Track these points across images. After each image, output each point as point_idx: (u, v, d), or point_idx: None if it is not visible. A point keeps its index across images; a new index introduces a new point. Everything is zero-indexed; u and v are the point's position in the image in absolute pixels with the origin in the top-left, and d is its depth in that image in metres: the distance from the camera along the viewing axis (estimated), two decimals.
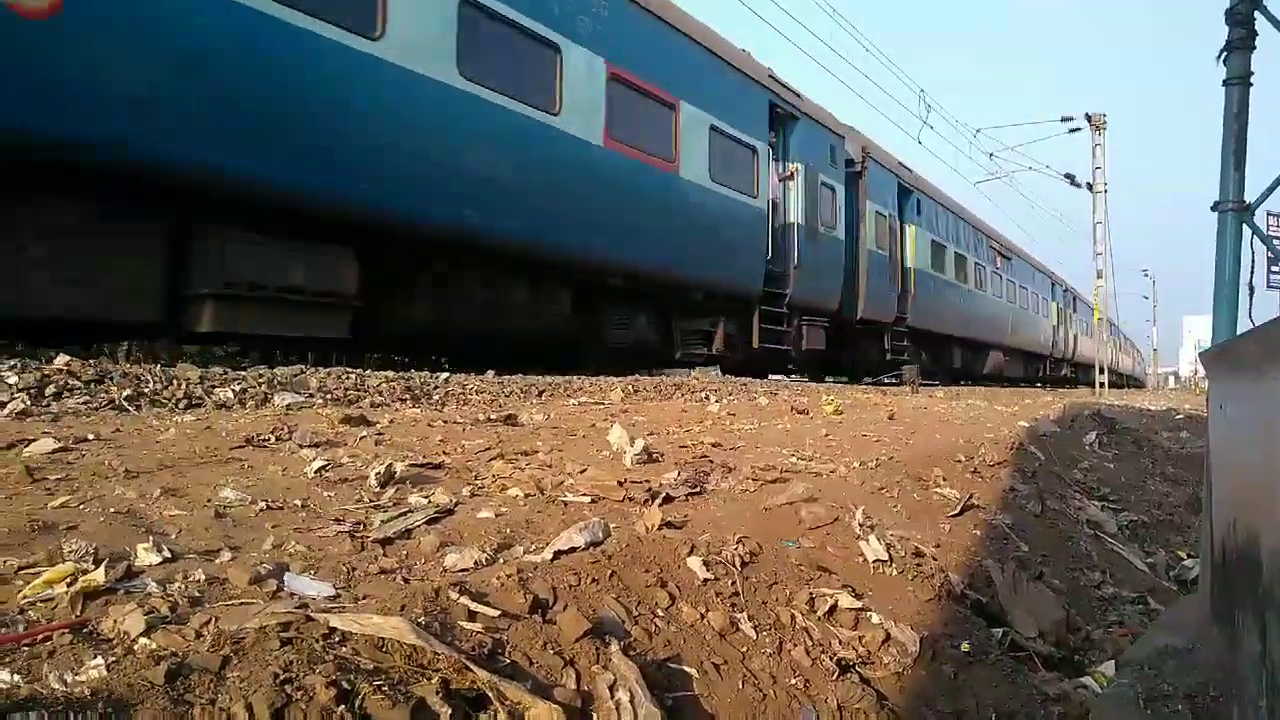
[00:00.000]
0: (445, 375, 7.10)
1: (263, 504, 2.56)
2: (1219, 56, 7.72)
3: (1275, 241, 10.42)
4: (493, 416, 5.09)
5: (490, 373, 8.30)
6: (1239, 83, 7.60)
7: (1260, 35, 7.58)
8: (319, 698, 1.40)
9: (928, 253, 21.76)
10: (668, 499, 3.23)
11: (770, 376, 15.38)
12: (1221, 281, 7.70)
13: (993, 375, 28.88)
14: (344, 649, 1.57)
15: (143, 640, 1.51)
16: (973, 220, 26.63)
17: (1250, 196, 7.74)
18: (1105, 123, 27.94)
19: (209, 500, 2.55)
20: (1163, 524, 6.49)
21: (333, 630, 1.61)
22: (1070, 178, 29.44)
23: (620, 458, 3.95)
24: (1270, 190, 7.78)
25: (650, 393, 8.79)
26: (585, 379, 9.13)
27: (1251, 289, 7.68)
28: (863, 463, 4.55)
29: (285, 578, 1.92)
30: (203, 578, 1.86)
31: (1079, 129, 28.43)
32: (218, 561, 2.02)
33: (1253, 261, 7.74)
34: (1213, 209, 7.70)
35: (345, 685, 1.45)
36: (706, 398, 8.87)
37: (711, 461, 4.19)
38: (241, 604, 1.75)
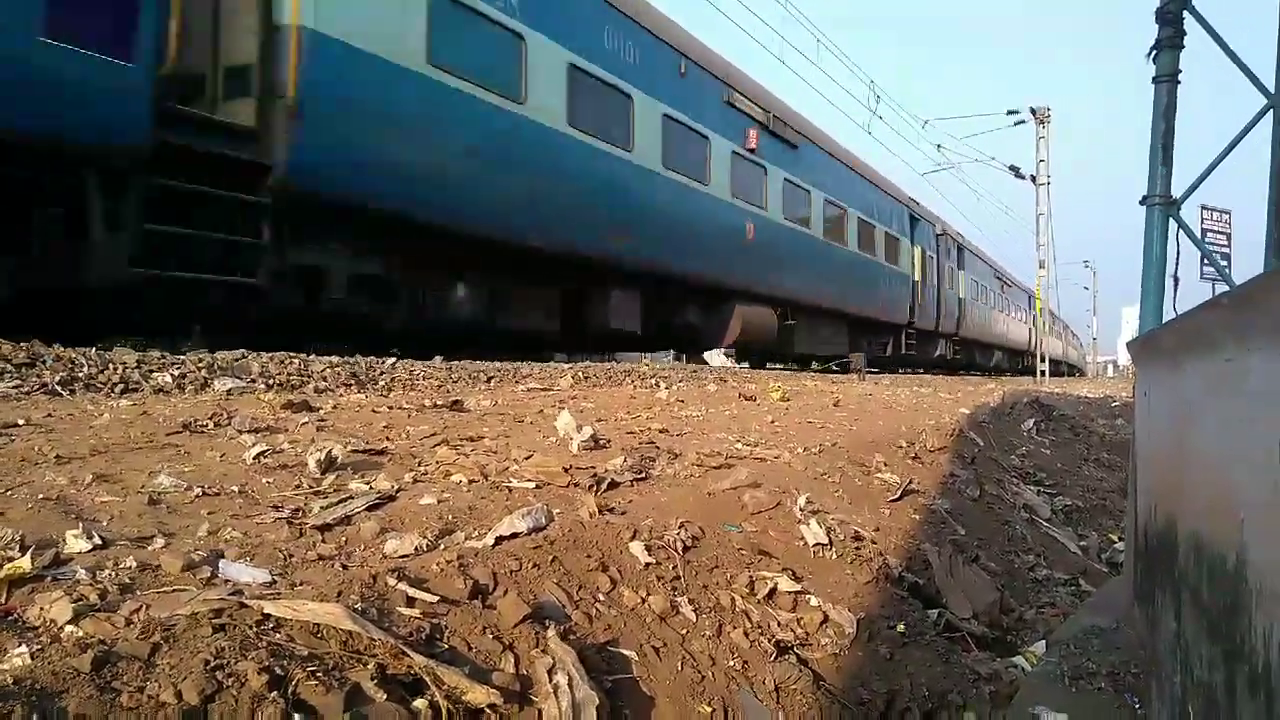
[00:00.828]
0: (391, 361, 7.03)
1: (199, 490, 2.52)
2: (1149, 54, 7.92)
3: (1211, 235, 10.75)
4: (439, 402, 5.06)
5: (438, 358, 8.24)
6: (1167, 80, 7.82)
7: (1189, 35, 7.80)
8: (250, 684, 1.39)
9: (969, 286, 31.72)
10: (613, 485, 3.24)
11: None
12: (1148, 273, 7.92)
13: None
14: (278, 635, 1.56)
15: (70, 628, 1.48)
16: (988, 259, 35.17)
17: (1177, 191, 7.98)
18: (1049, 116, 28.58)
19: (143, 486, 2.51)
20: (1096, 508, 6.70)
21: (267, 616, 1.60)
22: (1015, 170, 30.07)
23: (567, 444, 3.96)
24: (1196, 185, 8.03)
25: (600, 379, 8.81)
26: (535, 365, 9.11)
27: (1176, 281, 7.93)
28: (807, 449, 4.62)
29: (220, 564, 1.90)
30: (134, 565, 1.83)
31: (1024, 122, 29.04)
32: (150, 548, 1.98)
33: (1178, 254, 7.99)
34: (1141, 203, 7.92)
35: (278, 671, 1.44)
36: (656, 384, 8.91)
37: (658, 447, 4.21)
38: (174, 591, 1.72)
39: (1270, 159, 7.39)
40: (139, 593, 1.70)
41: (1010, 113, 29.29)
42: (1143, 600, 2.82)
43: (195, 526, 2.19)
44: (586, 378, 8.67)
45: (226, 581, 1.81)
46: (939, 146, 31.85)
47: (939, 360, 29.90)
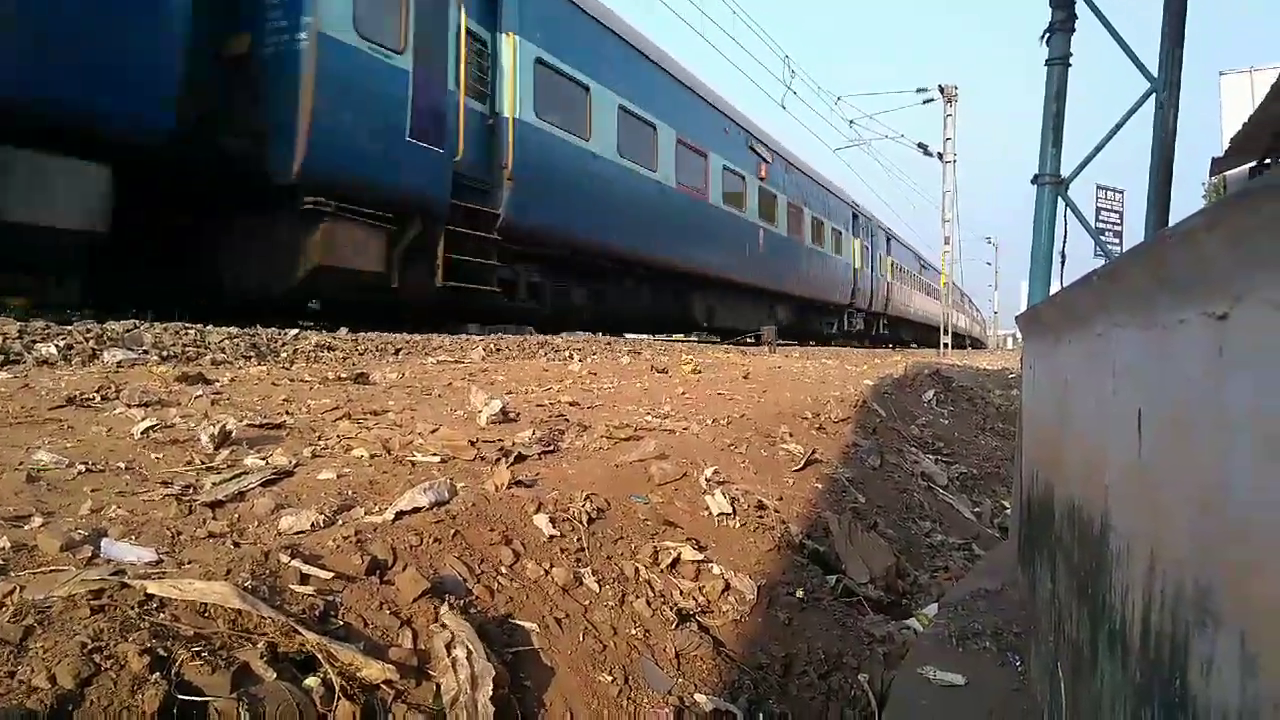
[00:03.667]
0: (295, 331, 6.83)
1: (82, 467, 2.42)
2: (1042, 37, 8.22)
3: (1105, 213, 11.22)
4: (343, 375, 4.95)
5: (344, 330, 8.04)
6: (1059, 63, 8.13)
7: (1081, 19, 8.11)
8: (131, 666, 1.35)
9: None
10: (520, 458, 3.24)
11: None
12: (1038, 249, 8.27)
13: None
14: (162, 616, 1.52)
15: None
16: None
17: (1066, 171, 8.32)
18: (956, 95, 29.30)
19: (20, 464, 2.39)
20: (990, 475, 6.99)
21: (150, 597, 1.55)
22: (923, 147, 30.79)
23: (475, 417, 3.93)
24: (1084, 165, 8.40)
25: (513, 351, 8.74)
26: (446, 336, 8.98)
27: (1064, 257, 8.30)
28: (715, 420, 4.68)
29: (102, 544, 1.82)
30: (8, 545, 1.75)
31: (932, 100, 29.73)
32: (27, 528, 1.90)
33: (1065, 231, 8.35)
34: (1033, 182, 8.24)
35: (161, 653, 1.40)
36: (570, 356, 8.89)
37: (568, 420, 4.22)
38: (51, 572, 1.65)
39: (1151, 141, 7.77)
40: (13, 574, 1.62)
41: (919, 90, 29.96)
42: (1025, 563, 2.97)
43: (77, 505, 2.10)
44: (499, 350, 8.60)
45: (109, 561, 1.75)
46: (851, 123, 32.44)
47: (873, 336, 34.75)
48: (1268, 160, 15.61)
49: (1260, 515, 0.74)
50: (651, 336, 17.42)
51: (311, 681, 1.53)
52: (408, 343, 7.64)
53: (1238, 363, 0.81)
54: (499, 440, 3.43)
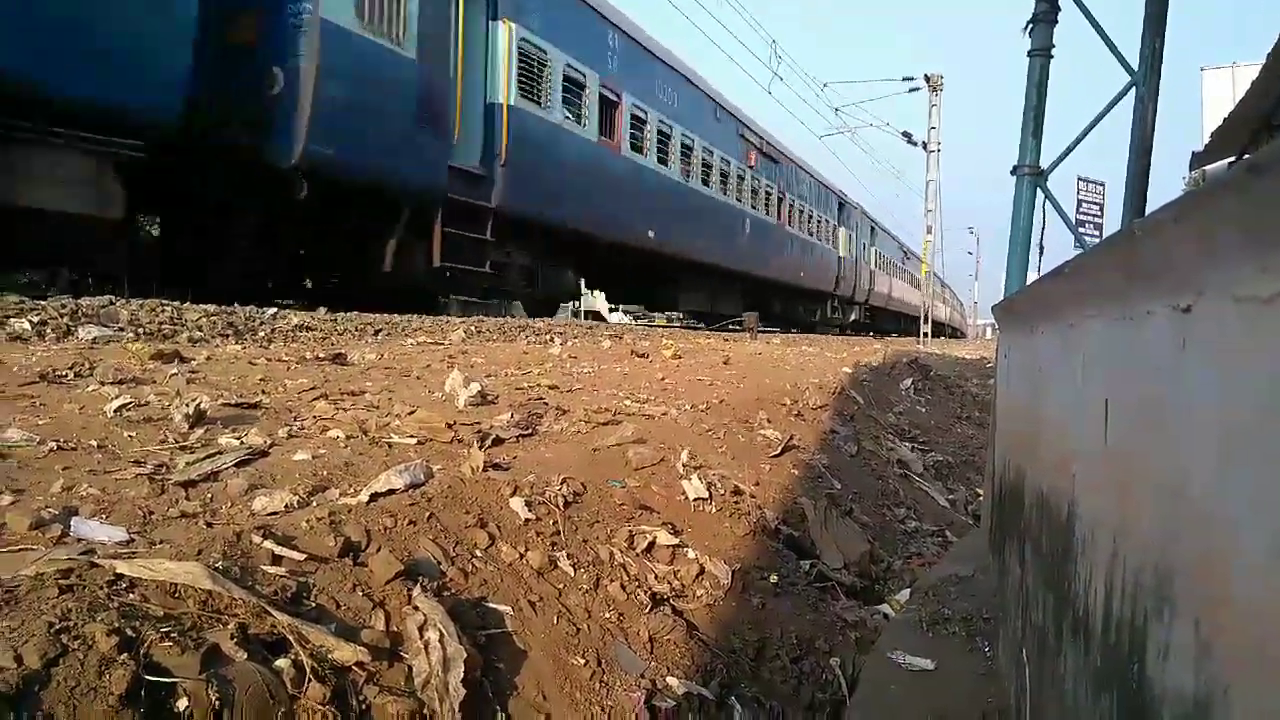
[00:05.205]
0: (273, 310, 6.78)
1: (53, 444, 2.39)
2: (1024, 28, 8.24)
3: (1086, 204, 11.29)
4: (321, 355, 4.92)
5: (323, 309, 7.99)
6: (1041, 55, 8.17)
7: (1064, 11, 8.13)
8: (99, 646, 1.34)
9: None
10: (497, 441, 3.23)
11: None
12: (1016, 240, 8.33)
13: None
14: (131, 596, 1.51)
15: None
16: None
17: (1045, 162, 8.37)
18: (942, 84, 29.29)
19: None
20: (965, 463, 7.06)
21: (120, 576, 1.54)
22: (908, 135, 30.79)
23: (453, 399, 3.92)
24: (1063, 156, 8.45)
25: (493, 334, 8.71)
26: (426, 318, 8.93)
27: (1042, 248, 8.35)
28: (694, 405, 4.69)
29: (72, 522, 1.81)
30: None
31: (918, 89, 29.70)
32: None
33: (1044, 222, 8.41)
34: (1012, 173, 8.28)
35: (129, 633, 1.39)
36: (550, 340, 8.87)
37: (547, 403, 4.21)
38: (19, 550, 1.64)
39: (1130, 133, 7.82)
40: None
41: (905, 79, 29.93)
42: (996, 550, 3.01)
43: (48, 483, 2.08)
44: (479, 332, 8.56)
45: (79, 540, 1.73)
46: (837, 110, 32.31)
47: (854, 323, 35.59)
48: (1246, 156, 15.74)
49: (1217, 507, 0.75)
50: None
51: (282, 663, 1.53)
52: (388, 323, 7.60)
53: (1200, 355, 0.82)
54: (477, 423, 3.42)
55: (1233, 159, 16.66)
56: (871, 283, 35.80)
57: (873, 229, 36.57)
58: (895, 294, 41.24)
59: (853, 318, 34.91)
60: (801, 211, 26.41)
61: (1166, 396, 0.93)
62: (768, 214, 23.22)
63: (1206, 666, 0.75)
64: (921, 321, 29.74)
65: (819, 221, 28.54)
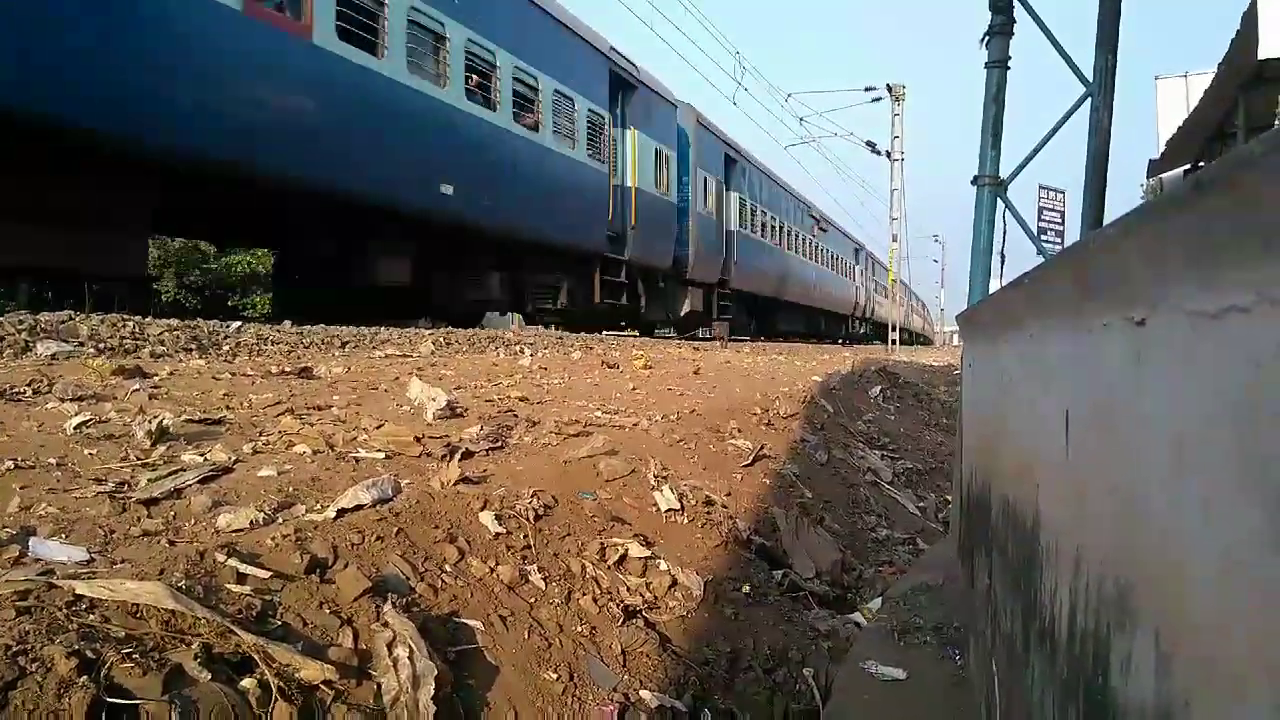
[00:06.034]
0: (238, 325, 6.70)
1: (10, 463, 2.34)
2: (981, 40, 8.36)
3: (1047, 213, 11.46)
4: (286, 369, 4.87)
5: (288, 323, 7.90)
6: (998, 66, 8.28)
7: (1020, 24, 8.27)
8: (58, 669, 1.32)
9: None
10: (467, 454, 3.21)
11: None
12: (978, 249, 8.44)
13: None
14: (91, 617, 1.48)
15: None
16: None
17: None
18: (905, 94, 29.68)
19: None
20: (935, 470, 7.12)
21: (79, 597, 1.51)
22: (871, 145, 31.12)
23: (421, 413, 3.89)
24: (1022, 166, 8.57)
25: (463, 345, 8.67)
26: (395, 330, 8.87)
27: (1003, 257, 8.47)
28: (665, 416, 4.70)
29: (30, 542, 1.77)
30: None
31: (881, 98, 30.07)
32: None
33: (1005, 231, 8.52)
34: (972, 183, 8.40)
35: (90, 655, 1.37)
36: (520, 351, 8.84)
37: (517, 416, 4.19)
38: None
39: (1086, 143, 7.96)
40: None
41: (868, 89, 30.29)
42: (965, 559, 3.03)
43: (4, 502, 2.03)
44: (448, 344, 8.52)
45: (37, 560, 1.70)
46: (802, 120, 32.58)
47: (851, 334, 42.59)
48: (1200, 164, 16.11)
49: (1171, 520, 0.77)
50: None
51: (248, 683, 1.50)
52: (355, 336, 7.53)
53: (1154, 368, 0.84)
54: (446, 436, 3.40)
55: (1188, 166, 17.03)
56: (869, 301, 45.45)
57: (871, 260, 45.56)
58: (879, 311, 46.61)
59: (851, 329, 43.80)
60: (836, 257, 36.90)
61: (1123, 409, 0.95)
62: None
63: (1168, 679, 0.77)
64: (890, 329, 30.06)
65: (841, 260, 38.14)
